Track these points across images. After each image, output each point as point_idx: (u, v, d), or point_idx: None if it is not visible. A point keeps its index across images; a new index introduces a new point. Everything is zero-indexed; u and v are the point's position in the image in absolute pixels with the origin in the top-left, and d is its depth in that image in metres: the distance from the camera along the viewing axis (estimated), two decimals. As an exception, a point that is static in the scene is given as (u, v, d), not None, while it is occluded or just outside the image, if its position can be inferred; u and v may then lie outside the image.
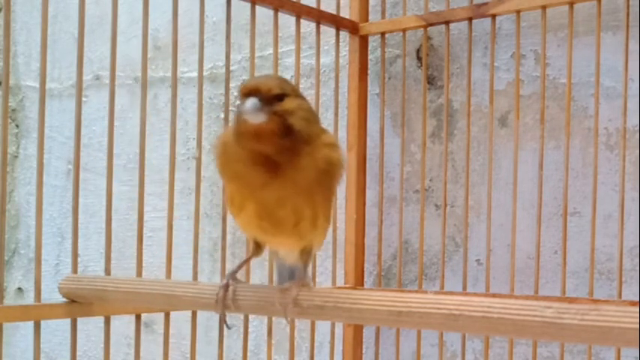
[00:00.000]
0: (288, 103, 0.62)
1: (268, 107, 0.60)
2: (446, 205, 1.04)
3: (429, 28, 1.07)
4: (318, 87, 1.05)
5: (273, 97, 0.61)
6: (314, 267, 1.05)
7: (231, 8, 0.93)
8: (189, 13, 1.26)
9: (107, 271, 0.83)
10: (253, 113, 0.60)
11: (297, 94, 0.63)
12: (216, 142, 0.66)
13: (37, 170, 0.79)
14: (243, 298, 0.67)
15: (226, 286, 0.68)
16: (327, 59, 1.19)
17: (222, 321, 0.69)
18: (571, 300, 0.92)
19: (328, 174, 0.64)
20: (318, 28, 1.05)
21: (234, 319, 1.26)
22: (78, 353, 0.81)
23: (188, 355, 1.20)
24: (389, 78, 1.15)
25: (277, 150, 0.61)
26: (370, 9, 1.14)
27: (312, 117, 0.64)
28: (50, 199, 1.56)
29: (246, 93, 0.61)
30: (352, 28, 1.11)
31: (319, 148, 0.63)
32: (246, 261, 0.74)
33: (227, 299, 0.68)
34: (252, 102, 0.60)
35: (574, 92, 0.99)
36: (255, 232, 0.67)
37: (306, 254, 0.69)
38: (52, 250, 1.57)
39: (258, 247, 0.71)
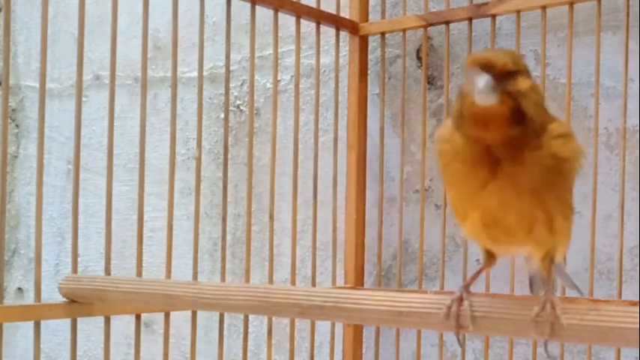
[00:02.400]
0: (522, 83, 0.53)
1: (501, 87, 0.52)
2: (446, 205, 1.04)
3: (429, 28, 1.07)
4: (318, 87, 1.05)
5: (506, 74, 0.53)
6: (314, 267, 1.05)
7: (231, 8, 0.93)
8: (189, 13, 1.26)
9: (107, 271, 0.83)
10: (486, 93, 0.51)
11: (529, 74, 0.55)
12: (436, 139, 0.58)
13: (37, 170, 0.79)
14: (483, 314, 0.56)
15: (460, 300, 0.57)
16: (327, 59, 1.19)
17: (457, 337, 0.58)
18: (571, 300, 0.92)
19: (558, 173, 0.54)
20: (318, 28, 1.05)
21: (235, 318, 1.26)
22: (78, 353, 0.81)
23: (188, 355, 1.20)
24: (389, 78, 1.15)
25: (503, 141, 0.52)
26: (370, 9, 1.14)
27: (543, 103, 0.55)
28: (50, 199, 1.56)
29: (479, 68, 0.52)
30: (352, 28, 1.11)
31: (548, 142, 0.54)
32: (479, 272, 0.63)
33: (462, 316, 0.56)
34: (485, 79, 0.51)
35: (574, 92, 0.99)
36: (484, 241, 0.59)
37: (548, 262, 0.59)
38: (52, 250, 1.57)
39: (491, 257, 0.62)
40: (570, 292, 0.95)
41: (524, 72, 0.54)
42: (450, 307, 0.57)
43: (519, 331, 0.54)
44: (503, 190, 0.54)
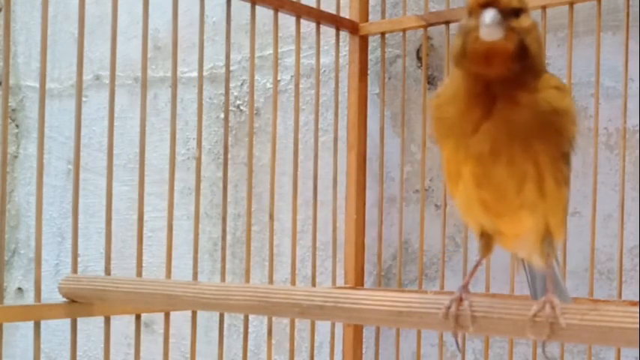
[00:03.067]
0: (526, 21, 0.54)
1: (507, 22, 0.52)
2: (446, 205, 1.04)
3: (429, 28, 1.07)
4: (318, 87, 1.05)
5: (511, 10, 0.53)
6: (314, 267, 1.05)
7: (231, 8, 0.93)
8: (189, 13, 1.26)
9: (107, 271, 0.83)
10: (492, 27, 0.51)
11: (531, 17, 0.55)
12: (433, 96, 0.58)
13: (37, 170, 0.79)
14: (483, 314, 0.55)
15: (459, 300, 0.56)
16: (327, 59, 1.19)
17: (456, 340, 0.58)
18: (571, 300, 0.92)
19: (551, 123, 0.54)
20: (318, 28, 1.05)
21: (235, 318, 1.26)
22: (78, 353, 0.81)
23: (188, 355, 1.20)
24: (389, 78, 1.15)
25: (503, 78, 0.52)
26: (370, 9, 1.14)
27: (543, 44, 0.55)
28: (50, 199, 1.56)
29: (483, 3, 0.52)
30: (352, 28, 1.11)
31: (545, 89, 0.54)
32: (477, 266, 0.63)
33: (462, 316, 0.56)
34: (491, 14, 0.51)
35: (574, 92, 0.99)
36: (477, 211, 0.57)
37: (547, 245, 0.58)
38: (52, 250, 1.57)
39: (487, 245, 0.61)
40: (570, 292, 0.95)
41: (526, 10, 0.54)
42: (448, 308, 0.56)
43: (518, 332, 0.53)
44: (496, 132, 0.53)
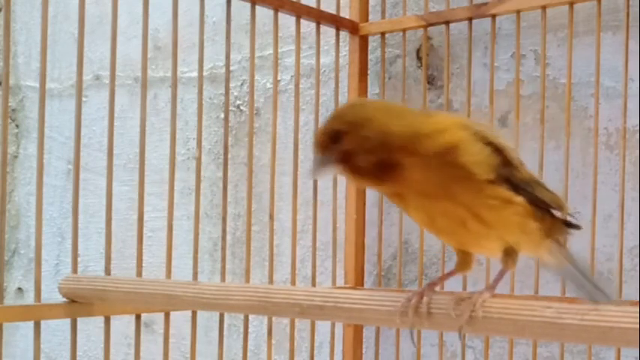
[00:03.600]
0: (345, 143, 0.56)
1: (329, 156, 0.57)
2: (446, 205, 1.04)
3: (429, 28, 1.07)
4: (318, 87, 1.05)
5: (327, 145, 0.57)
6: (314, 267, 1.05)
7: (231, 8, 0.93)
8: (189, 13, 1.26)
9: (107, 271, 0.83)
10: (318, 170, 0.57)
11: (356, 123, 0.57)
12: None
13: (37, 170, 0.79)
14: (438, 311, 0.58)
15: (421, 295, 0.59)
16: (327, 59, 1.19)
17: (411, 332, 0.62)
18: (571, 300, 0.92)
19: (448, 166, 0.56)
20: (318, 28, 1.05)
21: (235, 318, 1.26)
22: (78, 353, 0.81)
23: (188, 355, 1.20)
24: (389, 78, 1.15)
25: (380, 175, 0.56)
26: (370, 9, 1.14)
27: (390, 118, 0.57)
28: (50, 199, 1.56)
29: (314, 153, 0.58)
30: (352, 28, 1.11)
31: (427, 145, 0.56)
32: (450, 274, 0.67)
33: (420, 311, 0.58)
34: (314, 161, 0.57)
35: (574, 92, 0.99)
36: (453, 245, 0.62)
37: (508, 256, 0.61)
38: (52, 250, 1.57)
39: (464, 260, 0.64)
40: (570, 292, 0.95)
41: (346, 129, 0.56)
42: (409, 300, 0.59)
43: (452, 325, 0.57)
44: (418, 206, 0.58)
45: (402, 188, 0.57)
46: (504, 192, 0.58)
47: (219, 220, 1.29)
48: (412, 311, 0.58)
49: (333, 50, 1.11)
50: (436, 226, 0.59)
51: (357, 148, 0.56)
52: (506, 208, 0.58)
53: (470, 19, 1.01)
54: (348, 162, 0.56)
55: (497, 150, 0.59)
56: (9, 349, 1.61)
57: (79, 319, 0.80)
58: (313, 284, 1.05)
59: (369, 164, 0.56)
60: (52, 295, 0.84)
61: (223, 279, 0.93)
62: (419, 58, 1.13)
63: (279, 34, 1.02)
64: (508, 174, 0.59)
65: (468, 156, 0.56)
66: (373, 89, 1.15)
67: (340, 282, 1.12)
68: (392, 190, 0.58)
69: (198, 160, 0.92)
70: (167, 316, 0.87)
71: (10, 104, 1.63)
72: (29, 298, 1.60)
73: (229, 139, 1.08)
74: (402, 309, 0.58)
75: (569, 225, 0.66)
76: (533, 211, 0.60)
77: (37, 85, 0.83)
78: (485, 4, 0.99)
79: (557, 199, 0.63)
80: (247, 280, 0.96)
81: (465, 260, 0.64)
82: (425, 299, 0.59)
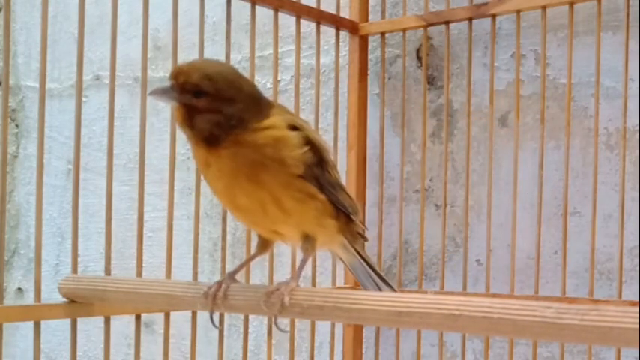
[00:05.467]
0: (201, 101, 0.63)
1: (179, 97, 0.65)
2: (446, 205, 1.04)
3: (429, 28, 1.07)
4: (318, 87, 1.05)
5: (187, 87, 0.64)
6: (314, 267, 1.05)
7: (231, 8, 0.93)
8: (189, 13, 1.26)
9: (107, 271, 0.83)
10: (160, 97, 0.66)
11: (219, 89, 0.63)
12: None
13: (37, 170, 0.79)
14: (235, 297, 0.66)
15: (220, 284, 0.68)
16: (327, 59, 1.19)
17: (210, 316, 0.69)
18: (571, 300, 0.92)
19: (264, 158, 0.63)
20: (318, 28, 1.05)
21: (235, 318, 1.26)
22: (78, 353, 0.81)
23: (188, 355, 1.20)
24: (389, 78, 1.15)
25: (203, 139, 0.63)
26: (370, 9, 1.14)
27: (252, 102, 0.64)
28: (50, 199, 1.56)
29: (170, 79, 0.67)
30: (352, 28, 1.11)
31: (254, 134, 0.63)
32: (249, 260, 0.74)
33: (217, 297, 0.67)
34: (163, 89, 0.67)
35: (574, 92, 0.99)
36: (249, 226, 0.68)
37: (307, 243, 0.67)
38: (52, 250, 1.57)
39: (263, 245, 0.71)
40: (570, 292, 0.96)
41: (208, 89, 0.63)
42: (210, 288, 0.67)
43: (255, 309, 0.65)
44: (225, 182, 0.64)
45: (219, 160, 0.63)
46: (311, 188, 0.65)
47: (219, 220, 1.29)
48: (210, 297, 0.66)
49: (333, 50, 1.11)
50: (235, 203, 0.65)
51: (208, 114, 0.62)
52: (308, 202, 0.65)
53: (470, 19, 1.01)
54: (190, 114, 0.63)
55: (316, 151, 0.66)
56: (9, 349, 1.61)
57: (79, 319, 0.80)
58: (313, 284, 1.05)
59: (202, 130, 0.63)
60: (52, 295, 0.84)
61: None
62: (419, 58, 1.13)
63: (279, 34, 1.02)
64: (318, 173, 0.67)
65: (287, 151, 0.64)
66: (373, 89, 1.15)
67: (340, 282, 1.12)
68: (208, 157, 0.64)
69: (198, 160, 0.91)
70: (167, 316, 0.87)
71: (10, 104, 1.63)
72: (29, 298, 1.60)
73: (229, 139, 1.07)
74: (203, 295, 0.67)
75: (361, 235, 0.75)
76: (332, 209, 0.67)
77: (37, 85, 0.83)
78: (485, 4, 0.99)
79: (354, 204, 0.72)
80: (247, 280, 0.96)
81: (264, 244, 0.71)
82: (223, 286, 0.67)
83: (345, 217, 0.70)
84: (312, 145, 0.66)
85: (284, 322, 1.20)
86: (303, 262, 0.68)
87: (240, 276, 0.71)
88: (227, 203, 0.66)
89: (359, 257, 0.74)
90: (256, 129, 0.63)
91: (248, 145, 0.62)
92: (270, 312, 0.63)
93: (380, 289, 0.75)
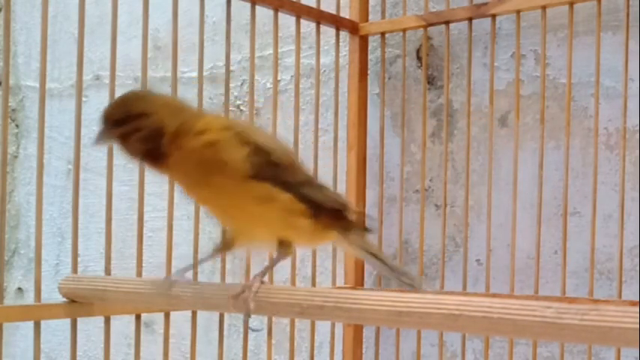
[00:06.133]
0: (125, 128, 0.66)
1: (110, 131, 0.66)
2: (446, 205, 1.04)
3: (429, 28, 1.07)
4: (318, 87, 1.05)
5: (112, 122, 0.66)
6: (314, 267, 1.05)
7: (231, 8, 0.93)
8: (189, 13, 1.26)
9: (107, 271, 0.83)
10: (99, 142, 0.67)
11: (138, 115, 0.66)
12: None
13: (37, 170, 0.79)
14: (189, 292, 0.68)
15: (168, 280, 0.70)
16: (327, 59, 1.19)
17: (167, 283, 0.71)
18: (571, 300, 0.92)
19: (206, 162, 0.64)
20: (318, 28, 1.05)
21: (235, 319, 1.26)
22: (78, 353, 0.81)
23: (188, 355, 1.20)
24: (389, 78, 1.15)
25: (148, 161, 0.67)
26: (370, 9, 1.14)
27: (171, 113, 0.66)
28: (50, 199, 1.56)
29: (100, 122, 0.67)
30: (352, 28, 1.11)
31: (189, 142, 0.64)
32: (212, 256, 0.75)
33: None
34: (98, 132, 0.67)
35: (574, 92, 0.99)
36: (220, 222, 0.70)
37: (282, 246, 0.68)
38: (52, 250, 1.57)
39: (227, 241, 0.71)
40: (570, 292, 0.96)
41: (134, 117, 0.66)
42: (166, 280, 0.70)
43: (222, 307, 0.67)
44: (189, 192, 0.67)
45: (170, 175, 0.67)
46: (265, 189, 0.65)
47: (219, 220, 1.28)
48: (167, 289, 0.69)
49: (333, 50, 1.11)
50: (209, 209, 0.68)
51: (133, 136, 0.65)
52: (265, 204, 0.65)
53: (470, 19, 1.01)
54: (125, 143, 0.66)
55: (262, 151, 0.66)
56: (9, 349, 1.61)
57: (79, 319, 0.80)
58: (313, 284, 1.05)
59: (140, 151, 0.66)
60: (52, 295, 0.84)
61: (223, 279, 0.93)
62: (419, 58, 1.13)
63: (279, 34, 1.02)
64: (276, 173, 0.66)
65: (225, 154, 0.64)
66: (373, 89, 1.15)
67: (340, 282, 1.12)
68: (165, 172, 0.67)
69: (198, 160, 0.91)
70: (167, 316, 0.87)
71: (10, 104, 1.63)
72: (29, 298, 1.60)
73: (229, 139, 1.07)
74: (158, 288, 0.70)
75: (365, 227, 0.74)
76: (305, 208, 0.66)
77: (37, 85, 0.83)
78: (485, 4, 0.99)
79: (340, 198, 0.71)
80: (247, 280, 0.95)
81: (227, 241, 0.71)
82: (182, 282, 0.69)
83: (332, 213, 0.69)
84: (254, 145, 0.66)
85: (284, 321, 1.20)
86: (272, 262, 0.69)
87: (240, 276, 0.71)
88: (207, 210, 0.68)
89: (362, 251, 0.73)
90: (191, 132, 0.65)
91: (187, 150, 0.64)
92: (238, 310, 0.65)
93: (400, 279, 0.74)
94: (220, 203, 0.66)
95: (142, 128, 0.65)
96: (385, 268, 0.75)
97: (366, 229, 0.75)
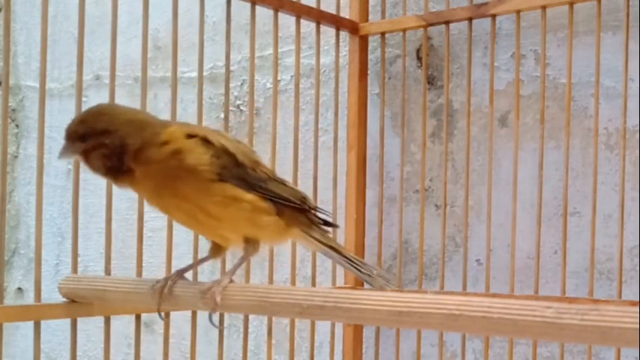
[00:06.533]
0: (88, 144, 0.67)
1: (74, 148, 0.68)
2: (446, 205, 1.04)
3: (429, 28, 1.07)
4: (318, 87, 1.05)
5: (75, 137, 0.68)
6: (314, 267, 1.05)
7: (231, 8, 0.93)
8: (189, 13, 1.26)
9: (107, 271, 0.83)
10: (64, 155, 0.68)
11: (99, 131, 0.67)
12: None
13: (37, 170, 0.79)
14: (181, 293, 0.69)
15: (166, 280, 0.71)
16: (327, 59, 1.19)
17: (158, 310, 0.72)
18: (571, 300, 0.92)
19: (175, 170, 0.65)
20: (318, 28, 1.05)
21: (235, 319, 1.26)
22: (78, 353, 0.81)
23: (188, 355, 1.20)
24: (389, 78, 1.15)
25: (115, 170, 0.67)
26: (370, 9, 1.14)
27: (135, 127, 0.67)
28: (50, 199, 1.56)
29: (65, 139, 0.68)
30: (352, 28, 1.11)
31: (156, 152, 0.66)
32: (200, 262, 0.77)
33: (164, 292, 0.70)
34: (62, 146, 0.68)
35: (574, 92, 0.99)
36: (198, 233, 0.70)
37: (248, 245, 0.70)
38: (52, 250, 1.57)
39: (216, 250, 0.73)
40: (570, 292, 0.96)
41: (90, 134, 0.67)
42: (157, 283, 0.70)
43: (194, 305, 0.69)
44: (155, 203, 0.68)
45: (136, 188, 0.68)
46: (231, 190, 0.67)
47: (219, 220, 1.28)
48: (157, 292, 0.70)
49: (333, 50, 1.11)
50: (175, 218, 0.69)
51: (96, 151, 0.67)
52: (232, 204, 0.67)
53: (470, 19, 1.01)
54: (87, 159, 0.67)
55: (226, 153, 0.68)
56: (9, 349, 1.61)
57: (79, 319, 0.80)
58: (313, 284, 1.05)
59: (103, 166, 0.67)
60: (52, 295, 0.84)
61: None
62: (419, 58, 1.13)
63: (279, 34, 1.02)
64: (242, 173, 0.68)
65: (191, 159, 0.66)
66: (373, 89, 1.15)
67: (340, 282, 1.12)
68: (129, 185, 0.68)
69: (198, 160, 0.91)
70: (167, 316, 0.87)
71: (10, 104, 1.63)
72: (29, 298, 1.60)
73: (229, 139, 1.07)
74: (150, 288, 0.71)
75: (327, 223, 0.76)
76: (268, 206, 0.69)
77: (37, 85, 0.83)
78: (486, 4, 0.99)
79: (297, 193, 0.72)
80: (247, 280, 0.96)
81: (216, 249, 0.73)
82: (169, 283, 0.70)
83: (293, 209, 0.71)
84: (219, 148, 0.68)
85: (284, 321, 1.20)
86: (241, 260, 0.70)
87: (240, 276, 0.71)
88: (172, 219, 0.70)
89: (323, 246, 0.75)
90: (156, 144, 0.66)
91: (153, 162, 0.66)
92: (206, 309, 0.67)
93: (361, 272, 0.76)
94: (188, 209, 0.66)
95: (104, 145, 0.67)
96: (348, 264, 0.76)
97: (327, 224, 0.76)
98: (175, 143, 0.66)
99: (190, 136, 0.67)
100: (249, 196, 0.68)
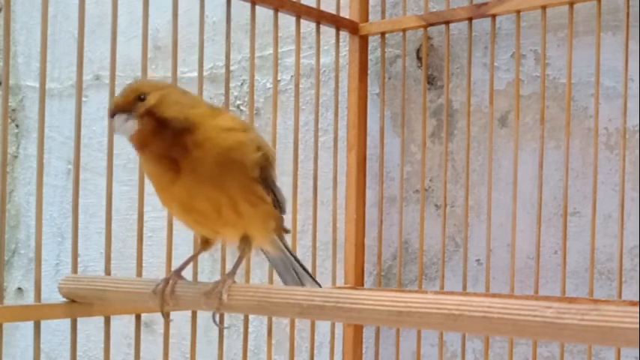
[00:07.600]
0: (151, 99, 0.63)
1: (133, 113, 0.63)
2: (446, 205, 1.04)
3: (429, 28, 1.07)
4: (318, 87, 1.05)
5: (132, 102, 0.63)
6: (313, 267, 1.05)
7: (231, 8, 0.93)
8: (189, 13, 1.26)
9: (107, 271, 0.83)
10: (122, 127, 0.63)
11: (160, 88, 0.65)
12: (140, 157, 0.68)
13: (37, 170, 0.79)
14: (183, 293, 0.69)
15: (167, 281, 0.70)
16: (327, 59, 1.19)
17: (161, 312, 0.72)
18: (571, 300, 0.92)
19: (226, 162, 0.64)
20: (318, 28, 1.05)
21: (235, 319, 1.26)
22: (78, 353, 0.81)
23: (188, 355, 1.20)
24: (389, 78, 1.15)
25: (167, 146, 0.63)
26: (370, 9, 1.14)
27: (188, 100, 0.65)
28: (50, 199, 1.56)
29: (111, 114, 0.64)
30: (352, 28, 1.11)
31: (211, 137, 0.63)
32: (193, 257, 0.76)
33: (165, 293, 0.69)
34: (117, 119, 0.63)
35: (574, 92, 0.99)
36: (191, 226, 0.69)
37: (245, 244, 0.69)
38: (52, 250, 1.57)
39: (205, 242, 0.72)
40: (570, 292, 0.96)
41: (151, 91, 0.64)
42: (157, 285, 0.69)
43: (196, 305, 0.68)
44: (187, 184, 0.64)
45: (180, 165, 0.64)
46: (262, 191, 0.68)
47: (219, 220, 1.28)
48: (159, 294, 0.69)
49: (333, 50, 1.11)
50: (193, 207, 0.66)
51: (154, 111, 0.63)
52: (259, 205, 0.67)
53: (470, 19, 1.01)
54: (149, 120, 0.63)
55: (264, 154, 0.68)
56: (9, 349, 1.61)
57: (79, 319, 0.80)
58: (236, 280, 1.04)
59: (164, 134, 0.63)
60: (52, 295, 0.84)
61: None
62: (419, 58, 1.13)
63: (279, 34, 1.02)
64: (267, 176, 0.68)
65: (248, 155, 0.65)
66: (373, 89, 1.15)
67: (340, 282, 1.12)
68: (167, 166, 0.64)
69: (198, 160, 0.91)
70: (167, 316, 0.87)
71: (10, 104, 1.63)
72: (29, 298, 1.60)
73: (229, 139, 1.07)
74: (152, 291, 0.69)
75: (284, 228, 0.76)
76: (275, 211, 0.70)
77: (37, 85, 0.83)
78: (486, 4, 0.99)
79: (284, 200, 0.73)
80: (247, 280, 0.96)
81: (207, 243, 0.72)
82: (170, 283, 0.69)
83: (279, 216, 0.72)
84: (264, 149, 0.68)
85: (284, 321, 1.20)
86: (239, 260, 0.70)
87: (240, 276, 0.71)
88: (180, 206, 0.66)
89: (286, 251, 0.76)
90: (212, 129, 0.64)
91: (212, 148, 0.63)
92: (209, 309, 0.66)
93: (302, 284, 0.76)
94: (217, 200, 0.65)
95: (161, 104, 0.63)
96: (297, 274, 0.77)
97: (286, 231, 0.77)
98: (238, 134, 0.65)
99: (247, 130, 0.67)
100: (269, 199, 0.68)
